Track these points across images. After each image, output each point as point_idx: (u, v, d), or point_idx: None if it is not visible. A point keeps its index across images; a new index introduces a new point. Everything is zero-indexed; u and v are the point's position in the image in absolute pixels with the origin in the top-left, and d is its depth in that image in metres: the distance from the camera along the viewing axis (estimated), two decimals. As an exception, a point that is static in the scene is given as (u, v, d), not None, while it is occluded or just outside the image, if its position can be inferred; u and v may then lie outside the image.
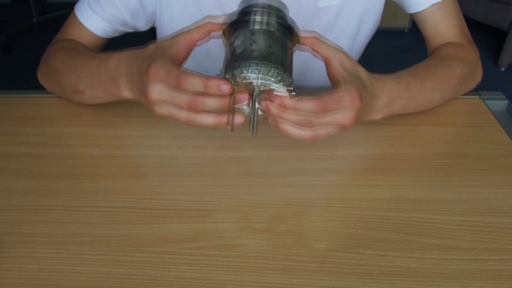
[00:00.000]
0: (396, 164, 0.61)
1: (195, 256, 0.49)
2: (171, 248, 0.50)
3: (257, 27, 0.50)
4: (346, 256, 0.49)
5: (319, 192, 0.57)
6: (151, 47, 0.56)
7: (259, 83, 0.48)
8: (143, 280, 0.47)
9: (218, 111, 0.50)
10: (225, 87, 0.47)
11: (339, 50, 0.56)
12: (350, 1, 0.76)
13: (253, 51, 0.48)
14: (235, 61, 0.48)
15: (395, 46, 2.50)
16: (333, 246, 0.50)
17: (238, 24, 0.51)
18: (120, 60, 0.60)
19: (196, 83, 0.48)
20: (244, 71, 0.47)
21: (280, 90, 0.49)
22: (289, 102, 0.50)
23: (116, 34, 0.79)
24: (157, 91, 0.50)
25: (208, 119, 0.51)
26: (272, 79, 0.48)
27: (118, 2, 0.73)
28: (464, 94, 0.76)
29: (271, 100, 0.50)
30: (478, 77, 0.77)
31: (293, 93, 0.49)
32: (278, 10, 0.52)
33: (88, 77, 0.65)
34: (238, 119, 0.51)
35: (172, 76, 0.49)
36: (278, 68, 0.48)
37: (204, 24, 0.54)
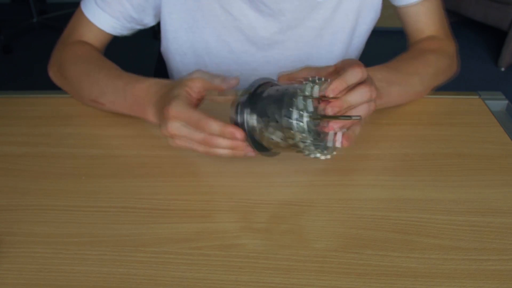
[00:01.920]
0: (396, 164, 0.61)
1: (195, 256, 0.49)
2: (171, 248, 0.50)
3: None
4: (346, 256, 0.49)
5: (319, 192, 0.57)
6: (175, 84, 0.58)
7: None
8: (143, 280, 0.47)
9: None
10: (239, 135, 0.51)
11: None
12: None
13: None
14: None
15: (395, 46, 2.49)
16: (333, 246, 0.50)
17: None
18: (148, 89, 0.62)
19: (214, 128, 0.52)
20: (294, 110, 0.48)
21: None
22: (337, 82, 0.49)
23: (125, 32, 0.79)
24: (176, 128, 0.54)
25: (224, 151, 0.54)
26: (309, 92, 0.48)
27: None
28: (464, 94, 0.76)
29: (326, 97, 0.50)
30: (454, 67, 0.79)
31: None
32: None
33: (112, 94, 0.67)
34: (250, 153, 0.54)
35: (193, 119, 0.53)
36: (300, 87, 0.49)
37: (226, 81, 0.57)
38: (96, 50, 0.76)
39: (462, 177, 0.59)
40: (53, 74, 0.78)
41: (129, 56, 2.60)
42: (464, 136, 0.67)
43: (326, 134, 0.50)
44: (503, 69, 2.54)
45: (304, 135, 0.48)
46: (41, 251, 0.50)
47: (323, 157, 0.50)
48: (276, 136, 0.51)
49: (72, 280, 0.47)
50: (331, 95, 0.49)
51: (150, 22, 0.80)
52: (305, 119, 0.47)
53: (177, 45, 0.82)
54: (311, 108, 0.48)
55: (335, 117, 0.49)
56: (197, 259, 0.49)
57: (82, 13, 0.77)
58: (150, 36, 2.59)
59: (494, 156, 0.63)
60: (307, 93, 0.48)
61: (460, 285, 0.46)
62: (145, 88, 0.63)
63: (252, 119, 0.52)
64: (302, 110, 0.47)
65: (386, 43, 2.56)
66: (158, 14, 0.79)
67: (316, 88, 0.49)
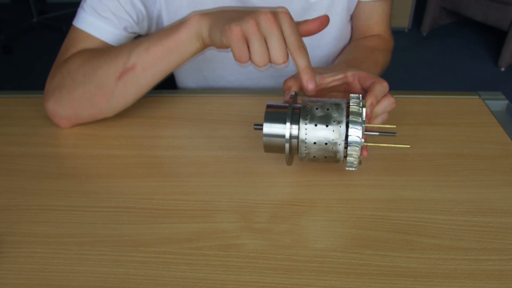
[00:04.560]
0: (396, 164, 0.61)
1: (195, 256, 0.49)
2: (171, 248, 0.50)
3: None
4: (346, 256, 0.49)
5: (319, 192, 0.57)
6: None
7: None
8: (143, 280, 0.47)
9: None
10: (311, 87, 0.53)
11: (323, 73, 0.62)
12: None
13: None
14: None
15: (395, 46, 2.50)
16: (333, 246, 0.50)
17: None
18: (208, 12, 0.57)
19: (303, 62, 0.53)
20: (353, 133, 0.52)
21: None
22: (372, 99, 0.56)
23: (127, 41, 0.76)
24: (266, 16, 0.51)
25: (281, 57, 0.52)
26: (362, 117, 0.52)
27: (125, 7, 0.71)
28: (464, 94, 0.77)
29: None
30: (389, 62, 0.87)
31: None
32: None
33: (146, 42, 0.61)
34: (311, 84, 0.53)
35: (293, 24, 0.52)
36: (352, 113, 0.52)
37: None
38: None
39: (462, 177, 0.59)
40: (54, 102, 0.67)
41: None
42: (464, 136, 0.67)
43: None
44: (503, 69, 2.54)
45: (359, 149, 0.51)
46: (41, 251, 0.50)
47: (353, 169, 0.54)
48: (328, 151, 0.53)
49: (72, 280, 0.47)
50: (368, 111, 0.55)
51: (141, 32, 0.78)
52: (361, 134, 0.51)
53: None
54: (363, 125, 0.52)
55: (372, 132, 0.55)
56: (197, 259, 0.49)
57: (77, 31, 0.72)
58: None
59: (494, 156, 0.63)
60: (361, 111, 0.51)
61: (460, 285, 0.46)
62: (203, 13, 0.57)
63: (307, 131, 0.52)
64: (362, 127, 0.51)
65: (386, 43, 2.57)
66: (150, 25, 0.78)
67: (363, 108, 0.52)
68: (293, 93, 0.56)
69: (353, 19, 0.87)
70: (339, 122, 0.52)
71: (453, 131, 0.68)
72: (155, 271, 0.47)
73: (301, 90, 0.59)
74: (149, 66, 0.61)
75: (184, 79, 0.89)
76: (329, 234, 0.51)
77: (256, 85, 0.86)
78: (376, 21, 0.84)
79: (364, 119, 0.51)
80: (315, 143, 0.52)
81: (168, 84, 0.97)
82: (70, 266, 0.48)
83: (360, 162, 0.53)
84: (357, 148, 0.51)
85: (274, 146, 0.54)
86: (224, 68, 0.83)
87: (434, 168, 0.61)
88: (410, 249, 0.49)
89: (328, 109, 0.52)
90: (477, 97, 0.76)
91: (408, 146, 0.53)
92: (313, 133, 0.52)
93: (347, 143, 0.51)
